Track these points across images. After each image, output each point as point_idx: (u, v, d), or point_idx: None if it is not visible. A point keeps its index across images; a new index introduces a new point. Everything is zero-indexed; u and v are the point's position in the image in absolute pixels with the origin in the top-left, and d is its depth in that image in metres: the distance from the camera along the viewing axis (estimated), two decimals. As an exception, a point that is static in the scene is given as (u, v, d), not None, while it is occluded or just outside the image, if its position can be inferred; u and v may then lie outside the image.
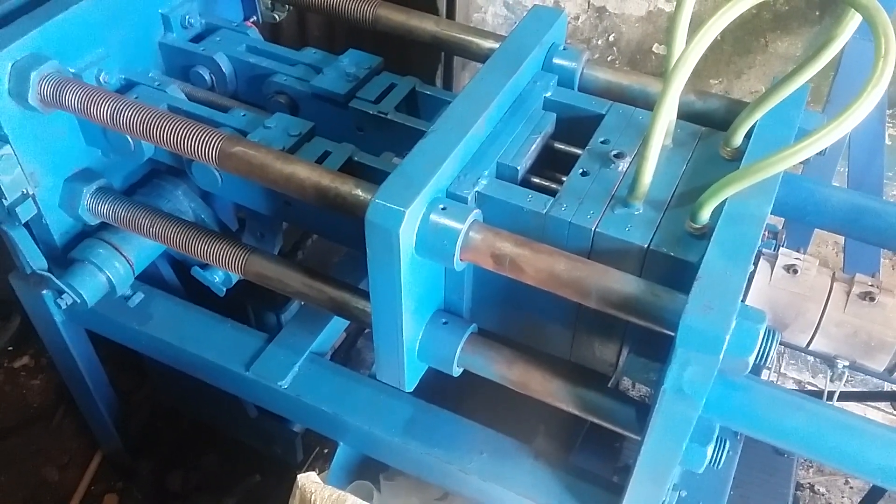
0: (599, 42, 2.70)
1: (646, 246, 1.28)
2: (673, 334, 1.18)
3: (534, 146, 1.45)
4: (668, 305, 1.19)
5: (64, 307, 1.77)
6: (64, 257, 1.81)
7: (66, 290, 1.74)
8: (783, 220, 2.00)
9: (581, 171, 1.40)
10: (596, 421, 1.44)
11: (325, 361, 1.81)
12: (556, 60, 1.61)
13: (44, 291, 1.90)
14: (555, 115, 1.52)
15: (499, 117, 1.47)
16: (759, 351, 1.15)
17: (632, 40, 2.65)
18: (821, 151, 1.56)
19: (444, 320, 1.49)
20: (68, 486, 2.55)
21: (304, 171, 1.42)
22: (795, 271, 1.39)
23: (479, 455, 1.64)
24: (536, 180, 1.45)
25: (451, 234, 1.26)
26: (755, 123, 1.42)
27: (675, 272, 1.26)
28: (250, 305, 2.17)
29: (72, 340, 2.08)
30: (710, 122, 1.54)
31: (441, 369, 1.51)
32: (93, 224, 1.80)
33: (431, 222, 1.26)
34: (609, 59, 2.73)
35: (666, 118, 1.23)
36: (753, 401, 1.26)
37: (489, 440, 1.66)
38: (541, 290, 1.28)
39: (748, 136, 1.42)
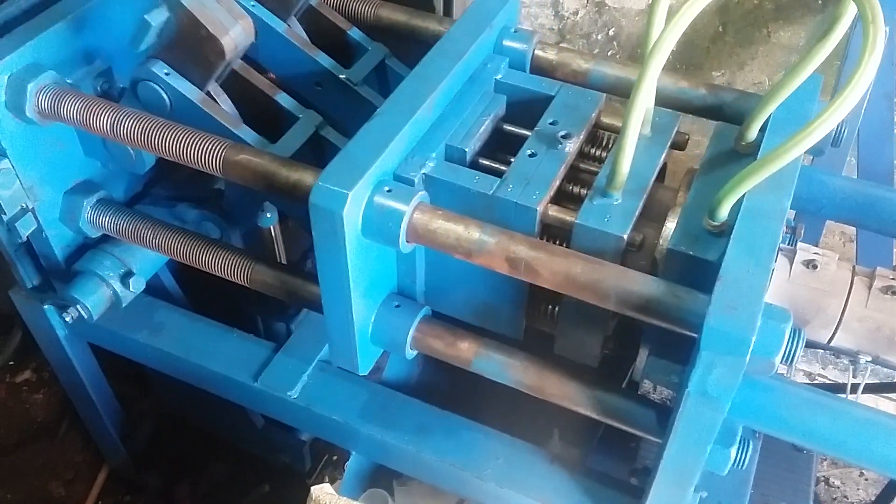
0: (599, 37, 2.67)
1: (624, 236, 1.27)
2: (696, 336, 1.15)
3: (483, 128, 1.44)
4: (690, 307, 1.16)
5: (70, 321, 1.74)
6: (66, 271, 1.78)
7: (70, 303, 1.71)
8: (794, 212, 1.98)
9: (529, 152, 1.39)
10: (616, 425, 1.42)
11: (335, 369, 1.78)
12: (507, 42, 1.60)
13: (46, 306, 1.87)
14: (505, 97, 1.51)
15: (448, 99, 1.46)
16: (786, 351, 1.12)
17: (632, 34, 2.62)
18: (834, 142, 1.55)
19: (396, 303, 1.48)
20: (75, 501, 2.52)
21: (311, 179, 1.39)
22: (815, 266, 1.36)
23: (495, 460, 1.61)
24: (486, 162, 1.44)
25: (395, 216, 1.26)
26: (769, 116, 1.39)
27: (695, 272, 1.23)
28: (259, 315, 2.14)
29: (75, 354, 2.05)
30: (722, 117, 1.51)
31: (394, 353, 1.51)
32: (94, 237, 1.77)
33: (376, 205, 1.26)
34: (609, 53, 2.70)
35: (643, 105, 1.21)
36: (779, 401, 1.23)
37: (504, 445, 1.64)
38: (490, 272, 1.28)
39: (763, 129, 1.39)
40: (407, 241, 1.29)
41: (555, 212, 1.33)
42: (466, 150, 1.40)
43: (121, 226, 1.69)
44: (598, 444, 1.81)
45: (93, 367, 2.16)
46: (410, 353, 1.50)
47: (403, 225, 1.26)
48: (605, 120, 1.50)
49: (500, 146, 1.49)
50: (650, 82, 1.18)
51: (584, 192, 1.37)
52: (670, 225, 1.34)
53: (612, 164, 1.28)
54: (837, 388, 2.60)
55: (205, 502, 2.51)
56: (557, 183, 1.36)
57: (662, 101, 1.58)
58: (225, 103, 1.60)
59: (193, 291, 2.14)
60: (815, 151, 1.54)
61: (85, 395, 2.19)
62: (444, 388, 1.92)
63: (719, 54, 2.55)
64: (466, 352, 1.47)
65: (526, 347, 1.49)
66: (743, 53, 2.52)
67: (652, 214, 1.39)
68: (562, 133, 1.40)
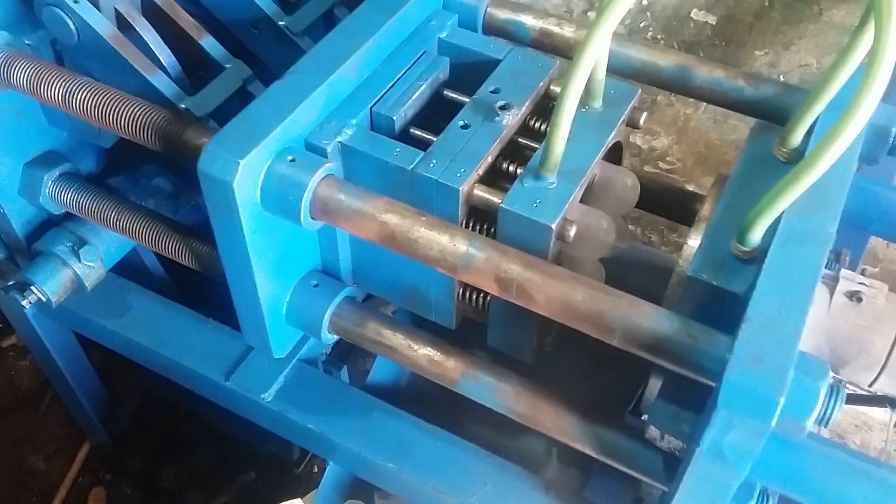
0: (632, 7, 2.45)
1: (552, 226, 1.10)
2: (713, 384, 0.97)
3: (417, 94, 1.28)
4: (707, 350, 0.98)
5: (28, 306, 1.59)
6: (28, 250, 1.63)
7: (28, 285, 1.57)
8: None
9: (462, 123, 1.23)
10: (616, 466, 1.24)
11: (315, 371, 1.62)
12: None
13: (10, 284, 1.73)
14: (448, 59, 1.34)
15: (380, 59, 1.30)
16: (821, 412, 0.94)
17: (667, 5, 2.39)
18: (891, 150, 1.34)
19: (315, 282, 1.35)
20: (54, 476, 2.41)
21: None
22: (860, 299, 1.16)
23: (483, 486, 1.44)
24: (420, 133, 1.28)
25: (296, 188, 1.12)
26: (817, 118, 1.18)
27: (717, 305, 1.05)
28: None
29: (46, 334, 1.92)
30: (763, 114, 1.31)
31: (310, 335, 1.39)
32: (58, 214, 1.62)
33: (276, 175, 1.12)
34: (642, 25, 2.47)
35: (585, 71, 1.02)
36: (808, 464, 1.05)
37: (494, 468, 1.47)
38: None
39: (810, 134, 1.18)
40: (312, 218, 1.15)
41: (482, 192, 1.17)
42: (395, 118, 1.24)
43: (83, 204, 1.53)
44: (600, 471, 1.64)
45: (69, 344, 2.03)
46: (329, 338, 1.38)
47: (305, 200, 1.12)
48: (557, 89, 1.31)
49: (442, 116, 1.31)
50: (599, 43, 1.00)
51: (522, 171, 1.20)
52: (693, 243, 1.15)
53: (545, 141, 1.11)
54: (872, 400, 2.40)
55: (188, 486, 2.39)
56: (490, 160, 1.20)
57: (693, 91, 1.39)
58: (153, 40, 1.40)
59: (176, 270, 1.99)
60: (868, 160, 1.33)
61: (59, 374, 2.06)
62: (437, 393, 1.76)
63: (764, 31, 2.32)
64: (453, 371, 1.31)
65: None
66: (790, 32, 2.28)
67: (597, 202, 1.23)
68: (500, 103, 1.23)
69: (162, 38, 1.41)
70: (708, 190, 1.25)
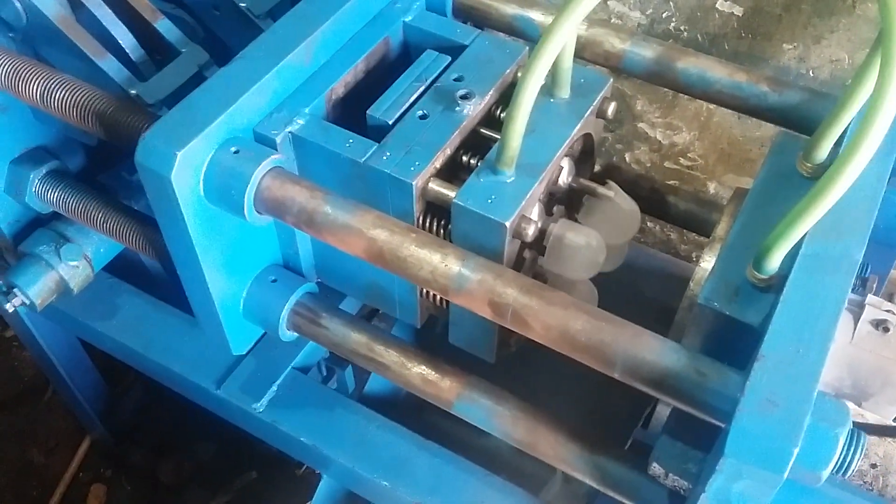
0: (654, -5, 2.34)
1: (506, 224, 1.03)
2: (721, 425, 0.89)
3: (415, 96, 1.20)
4: (716, 389, 0.90)
5: (12, 310, 1.54)
6: (16, 249, 1.57)
7: (11, 289, 1.51)
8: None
9: (420, 113, 1.16)
10: (618, 498, 1.17)
11: (309, 381, 1.56)
12: None
13: (-1, 283, 1.68)
14: (449, 58, 1.26)
15: (339, 44, 1.23)
16: (839, 461, 0.85)
17: (693, -5, 2.28)
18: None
19: (273, 277, 1.29)
20: (55, 471, 2.38)
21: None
22: (886, 329, 1.07)
23: (480, 507, 1.38)
24: None
25: (239, 181, 1.06)
26: (846, 129, 1.09)
27: (729, 337, 0.97)
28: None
29: (40, 332, 1.88)
30: (787, 122, 1.22)
31: (269, 332, 1.34)
32: (46, 213, 1.56)
33: (219, 167, 1.07)
34: (664, 15, 2.36)
35: (548, 60, 0.94)
36: (824, 513, 0.97)
37: (492, 489, 1.40)
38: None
39: (838, 147, 1.09)
40: (258, 212, 1.09)
41: (437, 186, 1.10)
42: (390, 122, 1.16)
43: (70, 203, 1.47)
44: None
45: (66, 340, 2.00)
46: (288, 336, 1.32)
47: (249, 193, 1.06)
48: None
49: None
50: (566, 30, 0.91)
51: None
52: (706, 266, 1.06)
53: (502, 133, 1.03)
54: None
55: (189, 484, 2.35)
56: (449, 152, 1.13)
57: (712, 96, 1.30)
58: (107, 19, 1.33)
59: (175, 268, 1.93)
60: (902, 173, 1.23)
61: (56, 371, 2.02)
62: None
63: (793, 24, 2.20)
64: (448, 392, 1.24)
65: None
66: (821, 25, 2.16)
67: (564, 198, 1.17)
68: (462, 92, 1.16)
69: (123, 19, 1.34)
70: (726, 203, 1.17)
